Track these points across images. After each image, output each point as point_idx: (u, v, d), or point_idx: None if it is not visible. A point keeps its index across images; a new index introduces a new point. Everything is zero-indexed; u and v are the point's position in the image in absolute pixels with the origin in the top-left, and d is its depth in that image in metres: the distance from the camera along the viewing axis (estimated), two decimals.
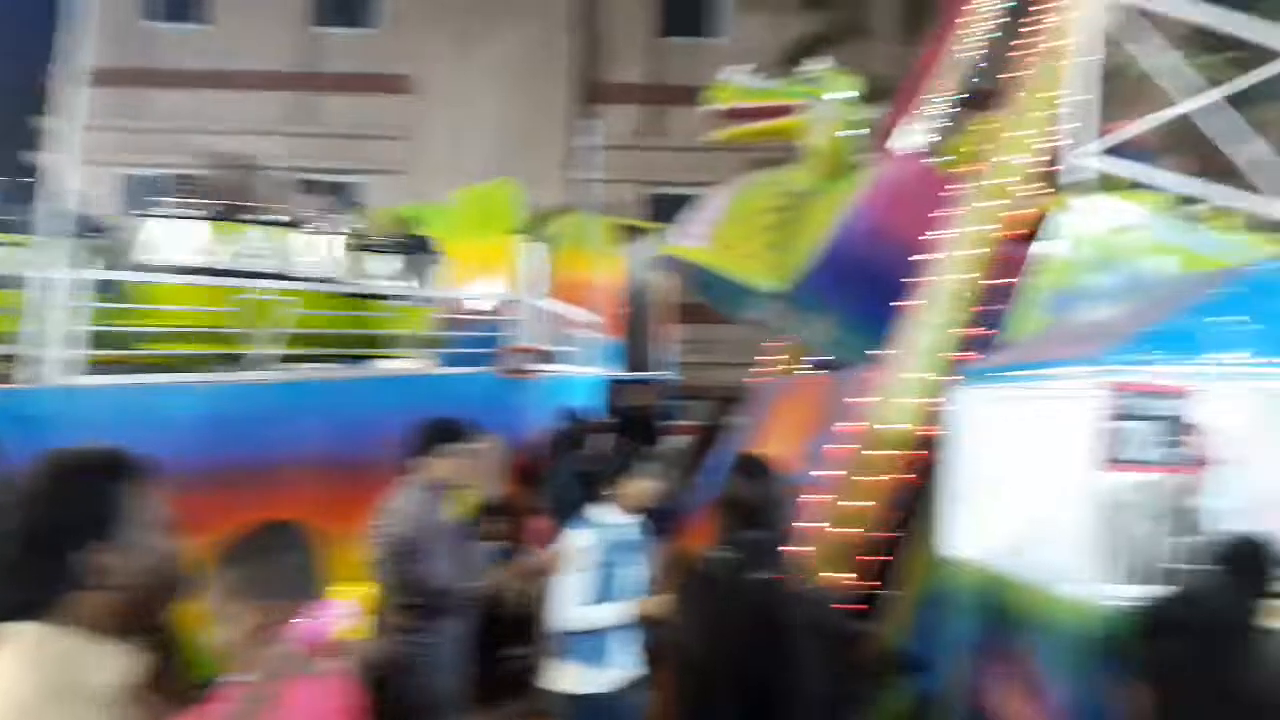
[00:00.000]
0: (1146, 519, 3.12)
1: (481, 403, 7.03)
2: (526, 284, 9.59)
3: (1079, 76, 5.29)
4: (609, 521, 4.01)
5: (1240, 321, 3.17)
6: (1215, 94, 5.63)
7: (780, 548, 3.43)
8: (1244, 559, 2.79)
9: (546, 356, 8.66)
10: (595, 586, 3.86)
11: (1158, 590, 2.80)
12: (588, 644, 3.88)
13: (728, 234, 6.44)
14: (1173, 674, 1.39)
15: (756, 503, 3.41)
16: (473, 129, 16.61)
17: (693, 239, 6.75)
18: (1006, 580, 3.78)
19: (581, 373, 9.97)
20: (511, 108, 16.79)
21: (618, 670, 3.91)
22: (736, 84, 6.64)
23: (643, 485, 4.11)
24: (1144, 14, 6.03)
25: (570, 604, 3.88)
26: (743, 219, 6.44)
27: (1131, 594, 3.12)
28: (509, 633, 5.24)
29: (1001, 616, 3.77)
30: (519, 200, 12.22)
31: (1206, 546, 3.04)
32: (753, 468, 3.61)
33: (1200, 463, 3.15)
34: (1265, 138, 6.25)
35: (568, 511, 4.35)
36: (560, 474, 6.18)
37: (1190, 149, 6.85)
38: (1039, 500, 3.59)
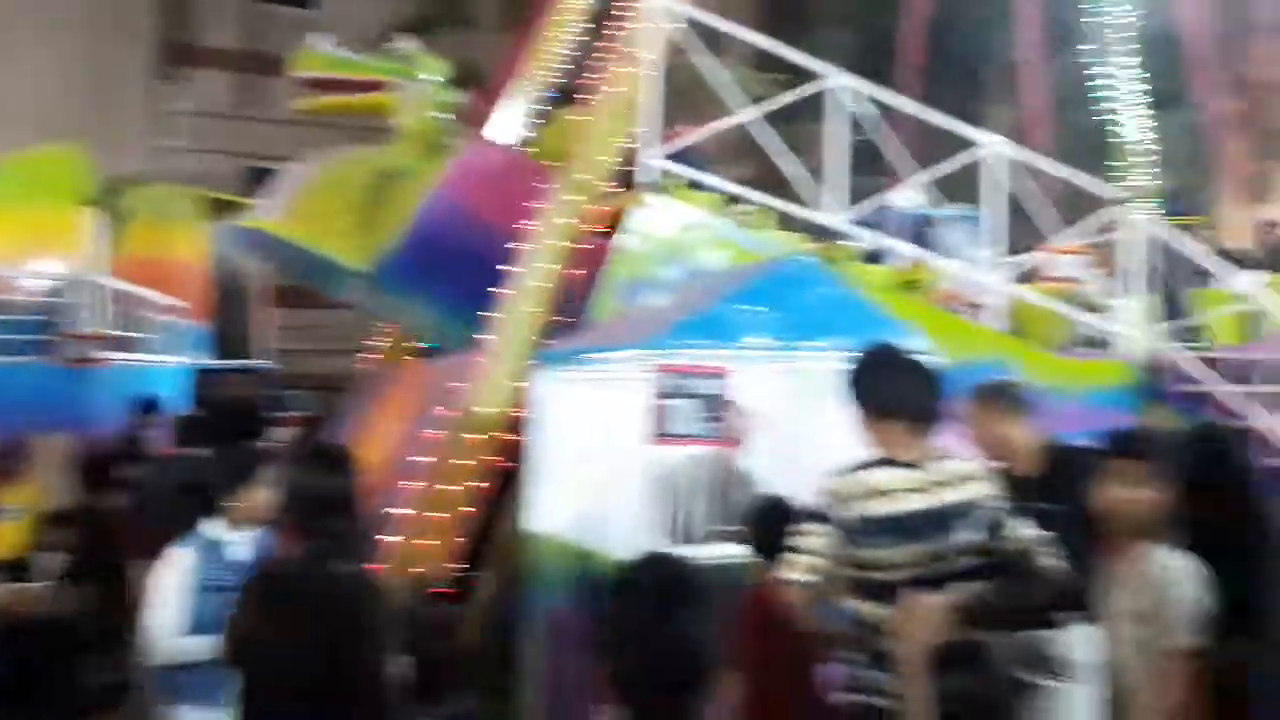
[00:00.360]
0: (693, 487, 3.48)
1: (32, 396, 6.20)
2: (90, 261, 8.50)
3: (649, 83, 5.74)
4: (218, 538, 3.53)
5: (765, 310, 3.65)
6: (755, 110, 6.31)
7: (363, 539, 3.35)
8: (768, 518, 3.18)
9: (116, 343, 7.77)
10: (196, 614, 3.35)
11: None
12: (191, 681, 3.34)
13: (312, 208, 6.17)
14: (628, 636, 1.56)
15: (332, 494, 3.28)
16: (32, 87, 14.37)
17: (272, 211, 6.39)
18: (580, 550, 4.03)
19: (161, 361, 9.06)
20: (79, 65, 14.75)
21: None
22: (320, 53, 6.36)
23: (260, 496, 3.53)
24: (713, 32, 6.71)
25: (166, 635, 3.35)
26: (329, 194, 6.22)
27: (685, 555, 3.46)
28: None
29: (578, 584, 4.01)
30: (84, 167, 10.78)
31: (743, 508, 3.45)
32: (328, 458, 3.48)
33: (737, 435, 3.55)
34: (808, 152, 7.17)
35: (165, 522, 3.78)
36: (156, 476, 5.51)
37: (751, 158, 7.72)
38: (605, 474, 3.87)
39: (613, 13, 6.66)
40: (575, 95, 6.93)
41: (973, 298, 7.65)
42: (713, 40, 7.11)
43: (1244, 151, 13.43)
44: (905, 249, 7.79)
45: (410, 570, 4.86)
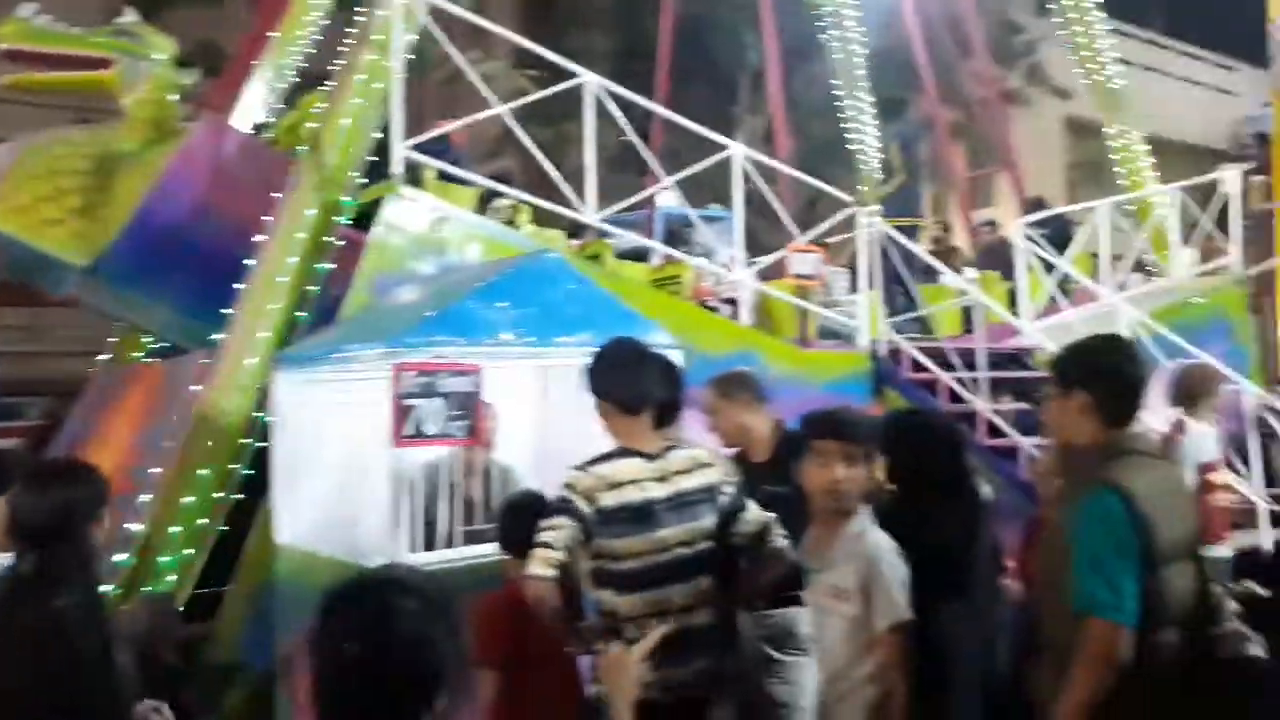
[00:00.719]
0: (437, 489, 3.41)
1: None
2: None
3: (401, 72, 5.58)
4: None
5: (512, 306, 3.64)
6: (507, 106, 6.28)
7: (89, 560, 3.03)
8: (518, 515, 3.14)
9: None
10: None
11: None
12: None
13: (22, 196, 5.53)
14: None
15: (53, 513, 2.95)
16: None
17: None
18: (326, 560, 3.86)
19: None
20: None
21: None
22: (31, 25, 5.71)
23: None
24: (477, 27, 6.60)
25: None
26: (42, 180, 5.59)
27: (430, 560, 3.40)
28: None
29: (313, 595, 3.82)
30: None
31: (495, 506, 3.42)
32: (50, 473, 3.13)
33: (487, 433, 3.51)
34: (569, 149, 7.23)
35: None
36: None
37: (519, 155, 7.65)
38: (349, 479, 3.72)
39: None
40: (321, 81, 6.62)
41: (727, 294, 8.01)
42: (478, 36, 7.05)
43: (963, 159, 14.88)
44: (660, 247, 8.05)
45: (146, 589, 4.50)
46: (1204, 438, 4.77)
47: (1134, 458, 2.59)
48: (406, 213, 5.28)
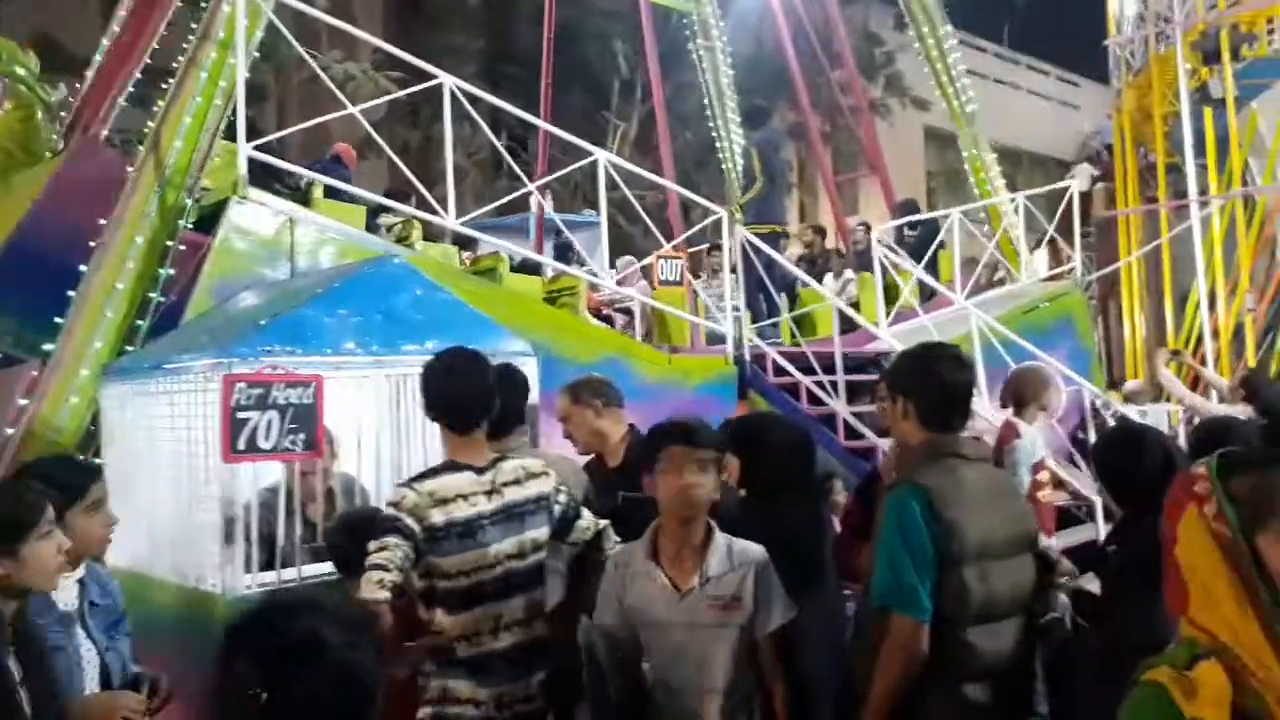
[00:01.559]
0: (273, 506, 3.26)
1: None
2: None
3: (245, 70, 5.35)
4: None
5: (352, 313, 3.52)
6: (356, 107, 6.10)
7: None
8: (354, 532, 2.99)
9: None
10: None
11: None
12: None
13: None
14: None
15: None
16: None
17: None
18: (159, 583, 3.64)
19: None
20: None
21: None
22: None
23: None
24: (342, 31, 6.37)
25: None
26: None
27: (269, 581, 3.25)
28: None
29: (153, 620, 3.61)
30: None
31: (333, 526, 3.28)
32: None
33: (326, 447, 3.38)
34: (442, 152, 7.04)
35: None
36: None
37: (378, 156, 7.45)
38: (182, 497, 3.53)
39: None
40: (164, 80, 6.29)
41: (614, 301, 8.02)
42: (342, 36, 6.84)
43: (831, 166, 15.30)
44: (528, 253, 7.97)
45: None
46: (1032, 439, 5.01)
47: (947, 460, 2.67)
48: (252, 216, 5.06)
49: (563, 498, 2.90)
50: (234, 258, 4.95)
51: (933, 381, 2.73)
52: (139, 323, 5.09)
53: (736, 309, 7.51)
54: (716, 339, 7.90)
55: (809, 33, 12.31)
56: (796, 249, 11.91)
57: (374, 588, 2.50)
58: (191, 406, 3.38)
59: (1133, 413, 7.83)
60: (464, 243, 7.57)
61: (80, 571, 2.56)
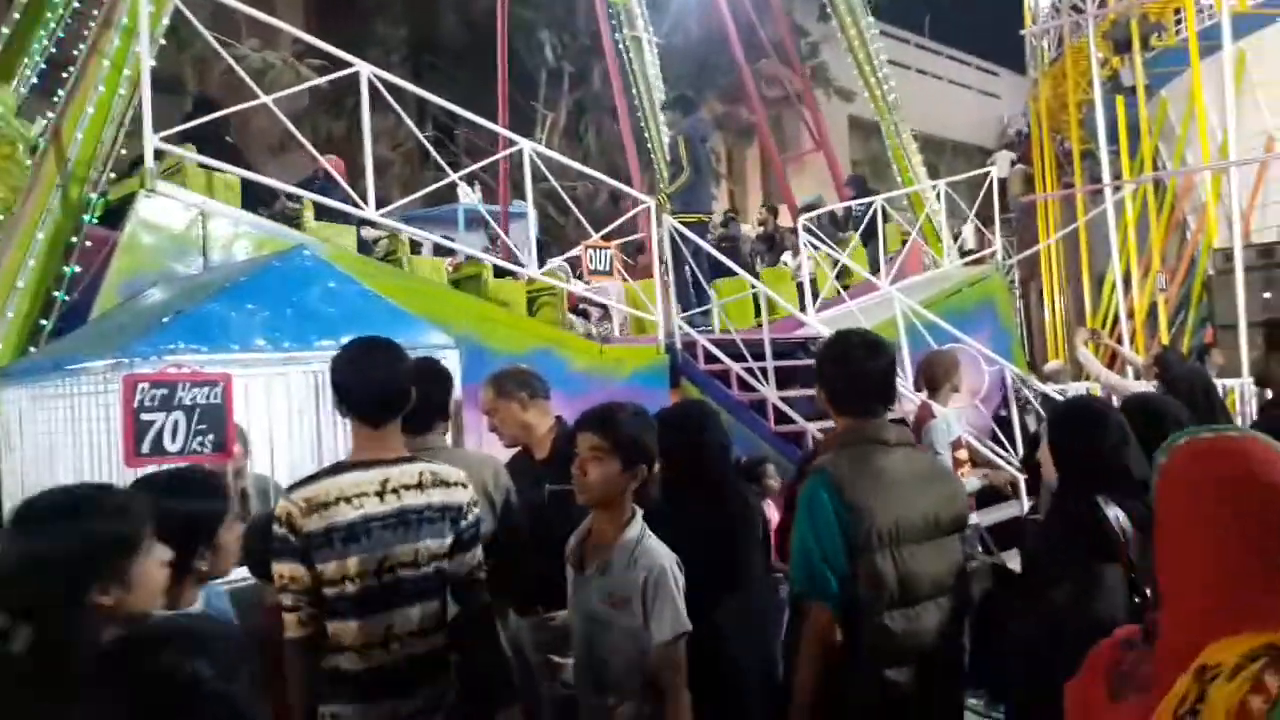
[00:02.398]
0: None
1: None
2: None
3: (150, 59, 5.15)
4: None
5: (261, 308, 3.40)
6: (267, 96, 5.92)
7: None
8: (263, 537, 2.86)
9: None
10: None
11: None
12: None
13: None
14: None
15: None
16: None
17: None
18: None
19: None
20: None
21: None
22: None
23: None
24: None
25: None
26: None
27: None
28: None
29: None
30: None
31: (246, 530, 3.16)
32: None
33: (232, 448, 3.26)
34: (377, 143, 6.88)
35: None
36: None
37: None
38: None
39: None
40: (66, 70, 6.04)
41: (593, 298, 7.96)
42: (259, 24, 6.62)
43: (756, 157, 15.45)
44: (454, 244, 7.86)
45: None
46: (947, 419, 5.13)
47: (863, 446, 2.70)
48: (161, 209, 4.88)
49: (471, 517, 2.73)
50: (142, 253, 4.76)
51: (847, 369, 2.75)
52: (42, 322, 4.90)
53: (665, 298, 7.51)
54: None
55: (726, 22, 12.35)
56: (749, 228, 12.04)
57: (293, 629, 2.46)
58: (92, 409, 3.24)
59: (1052, 391, 8.03)
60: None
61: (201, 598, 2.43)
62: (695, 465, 3.13)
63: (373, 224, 6.18)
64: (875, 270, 9.15)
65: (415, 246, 6.78)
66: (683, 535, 2.80)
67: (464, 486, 2.74)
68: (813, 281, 8.42)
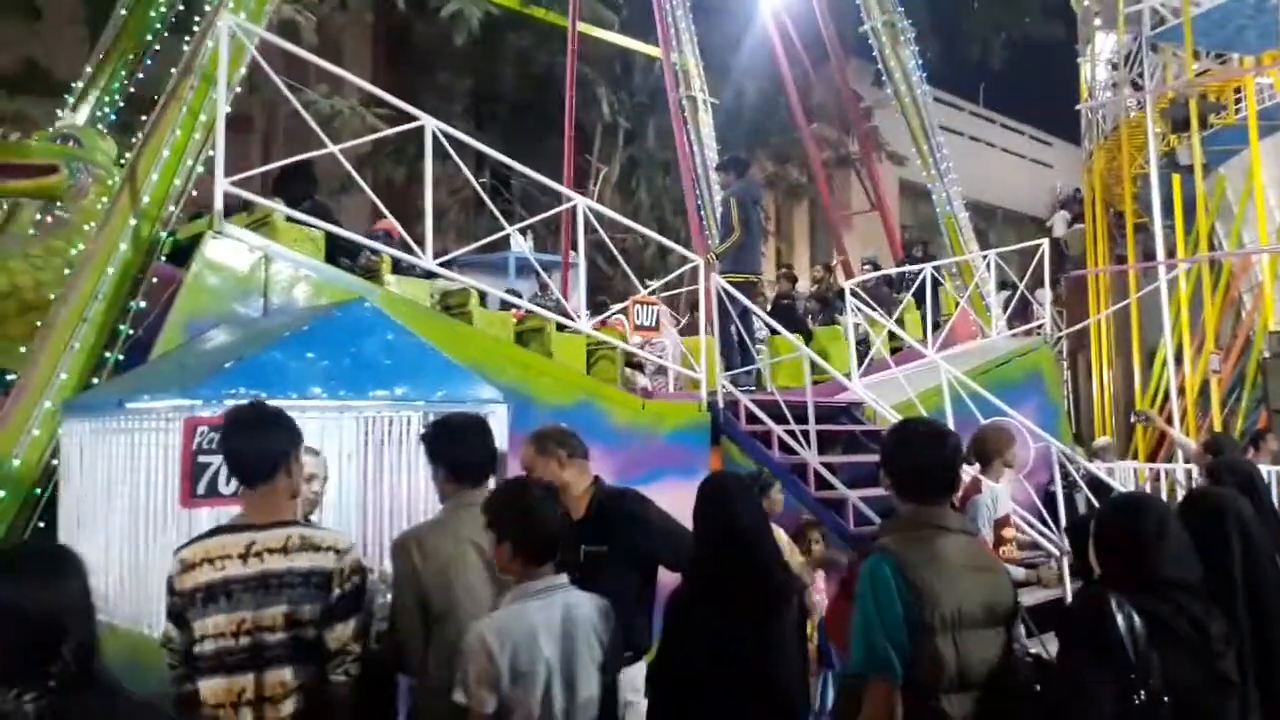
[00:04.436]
0: None
1: None
2: None
3: (226, 105, 5.35)
4: None
5: (319, 357, 3.49)
6: (336, 145, 6.12)
7: None
8: None
9: None
10: None
11: None
12: None
13: None
14: None
15: None
16: None
17: None
18: (111, 630, 3.55)
19: None
20: None
21: None
22: None
23: None
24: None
25: None
26: None
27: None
28: None
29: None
30: None
31: None
32: None
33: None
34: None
35: None
36: None
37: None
38: (140, 541, 3.47)
39: (192, 26, 6.15)
40: (146, 110, 6.29)
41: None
42: (328, 72, 6.85)
43: (805, 217, 15.54)
44: (507, 295, 7.96)
45: None
46: (995, 494, 5.07)
47: (924, 530, 2.72)
48: (227, 251, 5.03)
49: (348, 586, 2.72)
50: (206, 293, 4.90)
51: (909, 458, 2.81)
52: (107, 355, 5.04)
53: (710, 355, 7.53)
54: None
55: (786, 84, 12.51)
56: (803, 286, 12.06)
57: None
58: (152, 448, 3.33)
59: (1100, 469, 7.90)
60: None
61: None
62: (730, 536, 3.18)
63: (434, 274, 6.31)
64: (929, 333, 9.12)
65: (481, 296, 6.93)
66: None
67: (337, 552, 2.73)
68: (862, 343, 8.40)
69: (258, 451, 2.69)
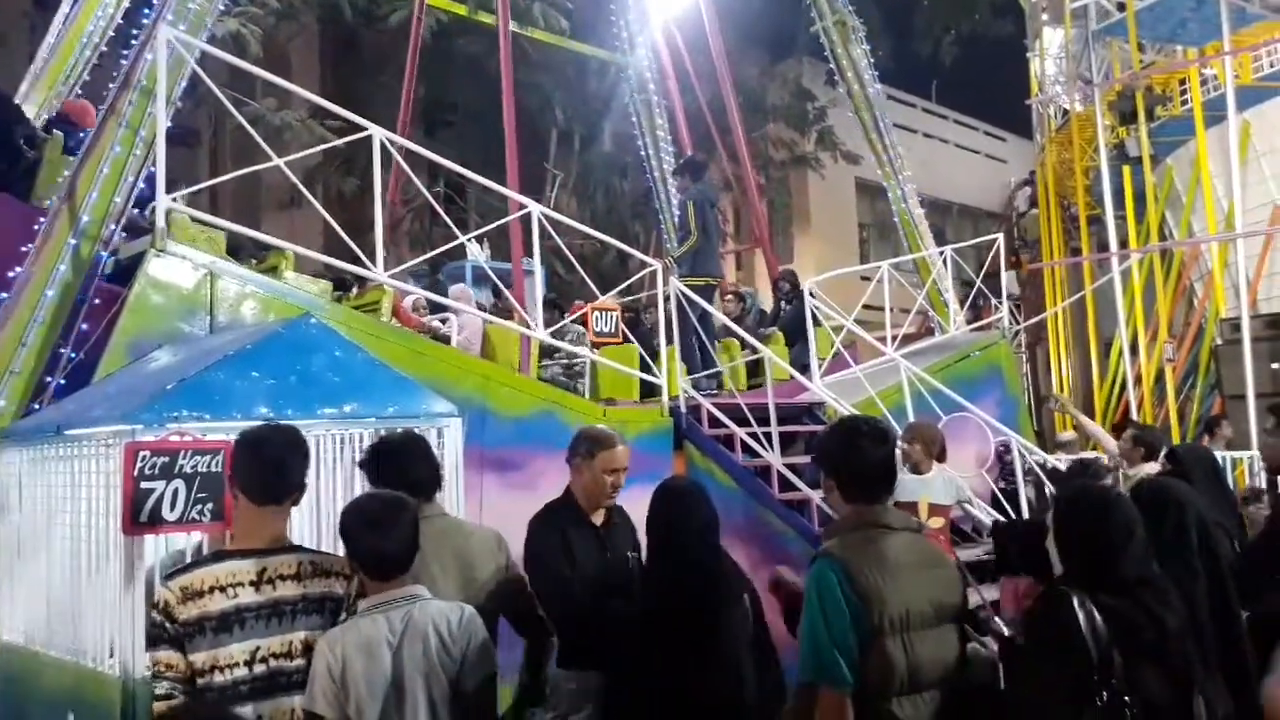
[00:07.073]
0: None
1: None
2: None
3: (162, 118, 5.22)
4: None
5: (265, 375, 3.39)
6: (283, 158, 5.99)
7: None
8: None
9: None
10: None
11: None
12: None
13: None
14: None
15: None
16: None
17: None
18: (52, 661, 3.43)
19: None
20: None
21: None
22: None
23: None
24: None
25: None
26: None
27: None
28: None
29: (43, 701, 3.40)
30: None
31: None
32: None
33: (230, 517, 3.22)
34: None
35: None
36: None
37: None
38: (80, 570, 3.35)
39: (132, 40, 6.01)
40: (79, 125, 6.14)
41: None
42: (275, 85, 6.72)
43: (765, 218, 15.52)
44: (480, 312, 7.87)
45: None
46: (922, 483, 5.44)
47: (869, 530, 2.67)
48: (170, 268, 4.89)
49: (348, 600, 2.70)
50: (150, 312, 4.76)
51: (854, 458, 2.75)
52: (48, 379, 4.89)
53: (670, 360, 7.49)
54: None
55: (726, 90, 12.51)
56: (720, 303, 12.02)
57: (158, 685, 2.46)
58: (93, 474, 3.22)
59: (1058, 461, 7.95)
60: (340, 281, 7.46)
61: None
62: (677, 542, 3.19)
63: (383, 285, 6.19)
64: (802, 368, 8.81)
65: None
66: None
67: (346, 578, 2.71)
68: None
69: (288, 468, 2.66)
